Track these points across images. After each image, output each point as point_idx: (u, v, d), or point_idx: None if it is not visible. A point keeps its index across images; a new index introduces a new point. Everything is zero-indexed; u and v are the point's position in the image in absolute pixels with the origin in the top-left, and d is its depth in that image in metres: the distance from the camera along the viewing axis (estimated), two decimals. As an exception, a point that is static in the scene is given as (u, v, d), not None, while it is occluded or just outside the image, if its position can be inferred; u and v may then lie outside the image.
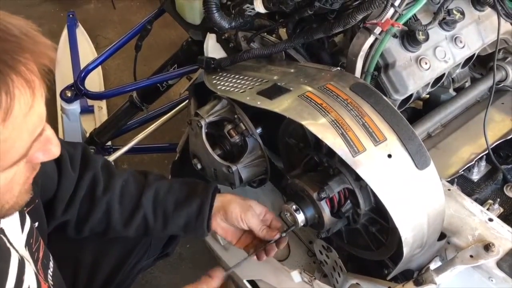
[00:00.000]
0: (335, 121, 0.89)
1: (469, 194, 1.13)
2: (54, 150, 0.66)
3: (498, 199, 1.17)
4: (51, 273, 0.91)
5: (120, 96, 1.68)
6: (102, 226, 1.03)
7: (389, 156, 0.88)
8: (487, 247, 0.98)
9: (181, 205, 1.02)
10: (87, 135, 1.85)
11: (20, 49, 0.56)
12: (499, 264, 0.96)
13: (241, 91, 1.04)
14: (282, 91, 0.96)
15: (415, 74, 1.06)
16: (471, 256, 0.98)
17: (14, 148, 0.59)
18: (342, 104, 0.91)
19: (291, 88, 0.97)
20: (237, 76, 1.13)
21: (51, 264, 0.92)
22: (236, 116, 1.14)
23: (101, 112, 2.12)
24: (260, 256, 1.03)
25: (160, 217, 1.03)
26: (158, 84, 1.51)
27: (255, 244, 1.05)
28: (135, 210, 1.02)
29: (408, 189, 0.88)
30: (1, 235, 0.76)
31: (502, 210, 1.18)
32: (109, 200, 1.02)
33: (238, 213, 1.01)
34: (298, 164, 1.08)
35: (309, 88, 0.95)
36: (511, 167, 1.25)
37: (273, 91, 0.97)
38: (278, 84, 1.00)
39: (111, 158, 1.61)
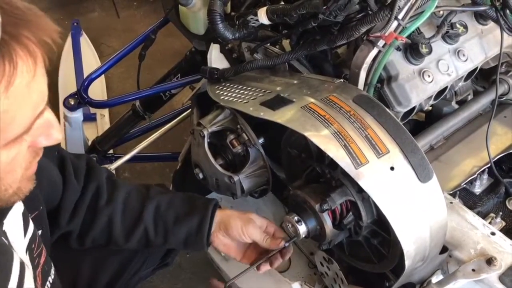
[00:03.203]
0: (338, 133, 0.89)
1: (471, 207, 1.13)
2: (56, 135, 0.66)
3: (501, 213, 1.17)
4: (50, 281, 0.91)
5: (123, 105, 1.69)
6: (104, 238, 1.03)
7: (392, 168, 0.88)
8: (490, 261, 0.97)
9: (182, 220, 1.02)
10: (89, 143, 1.85)
11: (24, 22, 0.57)
12: (501, 279, 0.96)
13: (244, 101, 1.04)
14: (285, 102, 0.96)
15: (418, 87, 1.06)
16: (473, 270, 0.97)
17: (16, 121, 0.59)
18: (345, 116, 0.91)
19: (294, 99, 0.97)
20: (240, 87, 1.14)
21: (52, 271, 0.92)
22: (238, 126, 1.14)
23: (104, 120, 2.12)
24: (263, 267, 1.02)
25: (160, 231, 1.03)
26: (161, 93, 1.52)
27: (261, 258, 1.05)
28: (136, 224, 1.03)
29: (410, 202, 0.88)
30: (3, 237, 0.76)
31: (504, 223, 1.18)
32: (111, 212, 1.02)
33: (239, 227, 1.01)
34: (300, 175, 1.08)
35: (312, 100, 0.95)
36: (514, 181, 1.24)
37: (276, 102, 0.97)
38: (281, 95, 1.01)
39: (113, 166, 1.61)
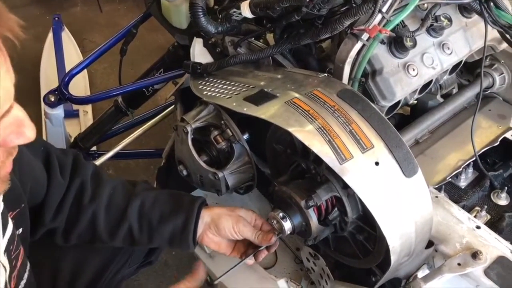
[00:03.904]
0: (322, 128, 0.87)
1: (456, 201, 1.13)
2: (29, 133, 0.63)
3: (485, 206, 1.17)
4: (23, 284, 0.88)
5: (106, 101, 1.66)
6: (88, 235, 1.01)
7: (377, 163, 0.87)
8: (475, 255, 0.97)
9: (167, 218, 1.00)
10: (72, 140, 1.82)
11: None
12: (486, 272, 0.96)
13: (227, 97, 1.03)
14: (269, 97, 0.95)
15: (402, 81, 1.05)
16: (458, 264, 0.97)
17: None
18: (329, 111, 0.90)
19: (277, 94, 0.96)
20: (223, 82, 1.12)
21: (26, 275, 0.90)
22: (222, 122, 1.12)
23: (87, 116, 2.09)
24: (249, 261, 1.01)
25: (145, 229, 1.01)
26: (144, 89, 1.49)
27: (250, 250, 1.04)
28: (120, 221, 1.00)
29: (396, 197, 0.87)
30: None
31: (489, 217, 1.18)
32: (95, 209, 1.00)
33: (231, 226, 1.00)
34: (285, 171, 1.07)
35: (296, 95, 0.94)
36: (498, 174, 1.25)
37: (260, 97, 0.96)
38: (265, 90, 0.99)
39: (96, 163, 1.58)
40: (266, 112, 0.92)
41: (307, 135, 0.87)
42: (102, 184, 1.01)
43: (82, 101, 1.66)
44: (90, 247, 1.10)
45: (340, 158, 0.85)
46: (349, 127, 0.88)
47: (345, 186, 0.93)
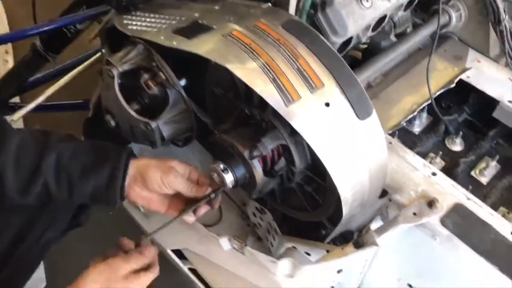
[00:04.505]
0: (265, 65, 0.76)
1: (410, 148, 1.06)
2: None
3: (440, 152, 1.11)
4: None
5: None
6: None
7: (327, 104, 0.76)
8: (431, 203, 0.91)
9: (89, 171, 0.87)
10: (-14, 91, 1.61)
11: None
12: (442, 221, 0.90)
13: (155, 30, 0.88)
14: (203, 29, 0.82)
15: (355, 13, 0.94)
16: (414, 213, 0.91)
17: None
18: (273, 45, 0.78)
19: (214, 26, 0.82)
20: (152, 15, 0.97)
21: None
22: (154, 64, 0.98)
23: (7, 66, 1.87)
24: (188, 218, 0.90)
25: (64, 185, 0.87)
26: (65, 29, 1.30)
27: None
28: (33, 176, 0.86)
29: (348, 142, 0.78)
30: None
31: (444, 163, 1.12)
32: (1, 163, 0.85)
33: (159, 177, 0.87)
34: (227, 119, 0.95)
35: (236, 27, 0.81)
36: (453, 119, 1.19)
37: (193, 30, 0.82)
38: (199, 21, 0.85)
39: (15, 116, 1.40)
40: (200, 46, 0.79)
41: (249, 73, 0.75)
42: (7, 135, 0.86)
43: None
44: (5, 209, 0.96)
45: (286, 100, 0.74)
46: (297, 64, 0.76)
47: (293, 133, 0.83)
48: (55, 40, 1.37)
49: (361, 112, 0.77)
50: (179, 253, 1.07)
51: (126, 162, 0.87)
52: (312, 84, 0.76)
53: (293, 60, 0.76)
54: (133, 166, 0.88)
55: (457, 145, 1.16)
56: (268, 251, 1.17)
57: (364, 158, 0.80)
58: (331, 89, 0.77)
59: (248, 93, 0.89)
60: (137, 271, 0.83)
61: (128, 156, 0.88)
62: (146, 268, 0.85)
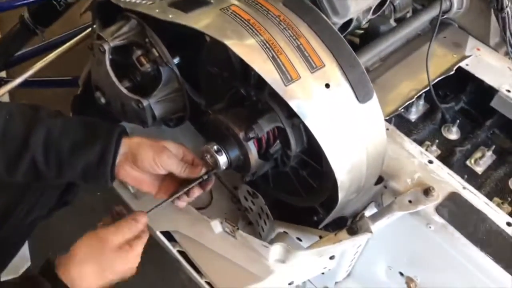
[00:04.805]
0: (265, 42, 0.73)
1: (406, 135, 1.04)
2: None
3: (436, 140, 1.09)
4: None
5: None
6: None
7: (327, 86, 0.74)
8: (427, 191, 0.89)
9: (79, 149, 0.83)
10: (-28, 64, 1.56)
11: None
12: (438, 210, 0.89)
13: (150, 2, 0.84)
14: (201, 3, 0.78)
15: (357, -6, 0.91)
16: (409, 201, 0.89)
17: None
18: (273, 22, 0.75)
19: (212, 0, 0.79)
20: (147, -12, 0.93)
21: None
22: (147, 40, 0.95)
23: (-6, 40, 1.81)
24: (180, 201, 0.87)
25: (53, 162, 0.84)
26: (55, 2, 1.26)
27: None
28: (21, 153, 0.82)
29: (347, 125, 0.76)
30: None
31: (439, 152, 1.11)
32: None
33: (151, 157, 0.83)
34: (221, 99, 0.92)
35: (235, 1, 0.78)
36: (450, 107, 1.17)
37: (189, 3, 0.79)
38: (196, -5, 0.82)
39: (2, 91, 1.36)
40: (198, 21, 0.76)
41: (247, 49, 0.72)
42: None
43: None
44: None
45: (285, 78, 0.72)
46: (297, 42, 0.73)
47: (290, 116, 0.81)
48: (44, 13, 1.33)
49: (362, 95, 0.75)
50: (168, 235, 1.04)
51: (118, 140, 0.84)
52: (312, 64, 0.73)
53: (293, 39, 0.73)
54: (125, 144, 0.85)
55: (453, 134, 1.15)
56: (258, 236, 1.15)
57: (362, 143, 0.77)
58: (332, 69, 0.74)
59: (245, 72, 0.86)
60: (129, 240, 0.80)
61: (120, 133, 0.85)
62: (138, 235, 0.82)
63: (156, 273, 1.47)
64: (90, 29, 1.41)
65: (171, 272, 1.49)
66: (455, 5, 1.16)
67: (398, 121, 1.14)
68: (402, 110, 1.09)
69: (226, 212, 1.28)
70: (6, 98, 1.69)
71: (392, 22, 1.18)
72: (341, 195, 0.79)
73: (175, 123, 1.14)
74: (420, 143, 1.10)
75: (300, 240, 1.05)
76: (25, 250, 1.43)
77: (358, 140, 0.77)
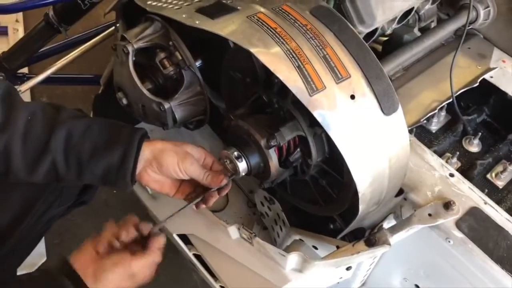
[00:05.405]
0: (291, 51, 0.72)
1: (427, 146, 1.03)
2: None
3: (457, 153, 1.08)
4: None
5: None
6: (0, 168, 0.83)
7: (352, 97, 0.73)
8: (447, 205, 0.88)
9: (100, 152, 0.83)
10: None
11: None
12: (458, 224, 0.88)
13: (177, 7, 0.84)
14: (228, 10, 0.78)
15: (384, 3, 0.90)
16: (429, 214, 0.88)
17: None
18: (300, 31, 0.74)
19: (238, 7, 0.79)
20: (173, -8, 0.93)
21: None
22: (171, 43, 0.95)
23: (17, 35, 1.84)
24: (198, 205, 0.87)
25: (73, 165, 0.84)
26: (79, 1, 1.27)
27: (198, 192, 0.89)
28: (41, 154, 0.82)
29: (371, 137, 0.75)
30: None
31: (460, 164, 1.09)
32: (8, 140, 0.81)
33: (176, 163, 0.84)
34: (242, 104, 0.92)
35: (262, 9, 0.77)
36: (472, 119, 1.15)
37: (216, 10, 0.78)
38: (223, 1, 0.82)
39: (24, 87, 1.37)
40: (224, 27, 0.75)
41: (273, 58, 0.72)
42: (16, 108, 0.82)
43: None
44: (10, 185, 0.93)
45: (310, 88, 0.71)
46: (323, 52, 0.73)
47: (312, 125, 0.80)
48: (68, 11, 1.34)
49: (387, 107, 0.74)
50: (184, 237, 1.05)
51: (139, 144, 0.84)
52: (338, 74, 0.73)
53: (320, 48, 0.73)
54: (148, 150, 0.84)
55: (474, 146, 1.13)
56: (273, 242, 1.15)
57: (385, 155, 0.77)
58: (357, 80, 0.73)
59: (268, 79, 0.86)
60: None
61: (142, 137, 0.84)
62: None
63: (169, 273, 1.47)
64: (112, 28, 1.42)
65: (184, 272, 1.49)
66: (482, 16, 1.14)
67: (419, 131, 1.13)
68: (424, 121, 1.08)
69: (241, 216, 1.28)
70: (27, 94, 1.71)
71: (416, 31, 1.17)
72: (361, 207, 0.79)
73: (195, 125, 1.14)
74: (441, 154, 1.09)
75: (316, 248, 1.04)
76: (41, 245, 1.45)
77: (381, 153, 0.76)
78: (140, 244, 0.85)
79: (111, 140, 0.84)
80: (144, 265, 0.81)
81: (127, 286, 0.80)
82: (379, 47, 1.25)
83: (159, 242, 0.83)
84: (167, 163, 0.82)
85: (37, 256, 1.42)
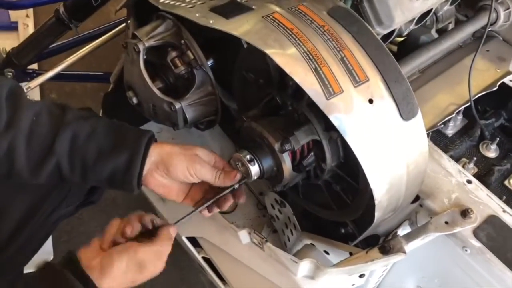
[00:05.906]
0: (307, 53, 0.70)
1: (443, 150, 1.00)
2: None
3: (474, 158, 1.05)
4: None
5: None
6: (3, 169, 0.81)
7: (370, 101, 0.71)
8: (465, 213, 0.86)
9: (105, 156, 0.81)
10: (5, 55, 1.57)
11: None
12: (475, 233, 0.85)
13: (190, 6, 0.82)
14: (243, 9, 0.76)
15: (403, 4, 0.87)
16: (446, 222, 0.86)
17: None
18: (317, 32, 0.72)
19: (253, 7, 0.77)
20: (186, -10, 0.91)
21: None
22: (183, 41, 0.93)
23: (27, 30, 1.82)
24: (211, 209, 0.85)
25: (77, 167, 0.82)
26: (90, -4, 1.26)
27: (208, 198, 0.87)
28: (46, 156, 0.80)
29: (389, 143, 0.73)
30: None
31: (476, 170, 1.07)
32: (12, 139, 0.79)
33: (185, 166, 0.81)
34: (255, 105, 0.90)
35: (277, 9, 0.75)
36: (489, 123, 1.12)
37: (231, 9, 0.76)
38: (238, 0, 0.79)
39: (33, 84, 1.36)
40: (238, 27, 0.73)
41: (288, 59, 0.69)
42: (21, 107, 0.80)
43: (11, 5, 1.38)
44: (18, 185, 0.92)
45: (327, 92, 0.69)
46: (341, 54, 0.71)
47: (327, 129, 0.78)
48: (79, 8, 1.32)
49: (406, 112, 0.72)
50: (193, 240, 1.03)
51: (146, 148, 0.82)
52: (356, 78, 0.70)
53: (337, 50, 0.71)
54: (155, 153, 0.82)
55: (492, 152, 1.10)
56: (283, 245, 1.13)
57: (403, 161, 0.74)
58: (376, 84, 0.71)
59: (282, 80, 0.83)
60: None
61: (149, 140, 0.82)
62: None
63: (176, 273, 1.46)
64: (123, 25, 1.41)
65: (191, 273, 1.48)
66: (502, 18, 1.11)
67: (435, 135, 1.10)
68: (441, 125, 1.05)
69: (250, 218, 1.26)
70: (36, 90, 1.70)
71: (434, 33, 1.14)
72: (377, 215, 0.76)
73: (206, 126, 1.12)
74: (457, 160, 1.06)
75: (327, 253, 1.02)
76: (48, 243, 1.44)
77: (399, 159, 0.74)
78: (148, 237, 0.82)
79: (117, 143, 0.82)
80: (152, 253, 0.76)
81: (136, 277, 0.75)
82: (394, 48, 1.22)
83: (168, 231, 0.79)
84: (175, 166, 0.80)
85: (44, 254, 1.41)
